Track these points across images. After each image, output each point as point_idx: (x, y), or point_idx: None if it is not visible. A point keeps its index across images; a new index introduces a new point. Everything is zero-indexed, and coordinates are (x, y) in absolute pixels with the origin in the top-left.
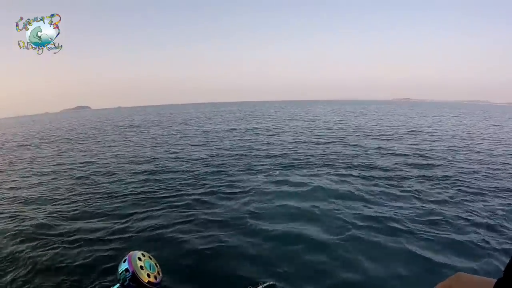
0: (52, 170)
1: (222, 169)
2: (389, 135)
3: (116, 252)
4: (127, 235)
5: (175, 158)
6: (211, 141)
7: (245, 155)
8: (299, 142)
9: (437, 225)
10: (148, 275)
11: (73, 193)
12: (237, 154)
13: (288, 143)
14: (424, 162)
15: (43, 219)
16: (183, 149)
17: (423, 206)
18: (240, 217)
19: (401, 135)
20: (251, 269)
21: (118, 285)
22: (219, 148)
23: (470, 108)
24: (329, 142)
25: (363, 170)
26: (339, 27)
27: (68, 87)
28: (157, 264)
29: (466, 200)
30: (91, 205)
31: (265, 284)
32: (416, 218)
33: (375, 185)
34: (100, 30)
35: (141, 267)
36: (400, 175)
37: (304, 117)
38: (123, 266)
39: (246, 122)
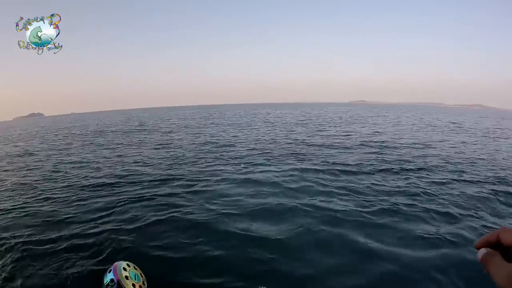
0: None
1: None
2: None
3: (86, 259)
4: (89, 240)
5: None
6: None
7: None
8: (263, 142)
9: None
10: (133, 285)
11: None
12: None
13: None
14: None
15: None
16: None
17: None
18: (208, 216)
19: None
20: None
21: None
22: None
23: (427, 109)
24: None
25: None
26: (294, 30)
27: (19, 94)
28: (142, 274)
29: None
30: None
31: None
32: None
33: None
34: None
35: (126, 277)
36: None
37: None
38: (108, 277)
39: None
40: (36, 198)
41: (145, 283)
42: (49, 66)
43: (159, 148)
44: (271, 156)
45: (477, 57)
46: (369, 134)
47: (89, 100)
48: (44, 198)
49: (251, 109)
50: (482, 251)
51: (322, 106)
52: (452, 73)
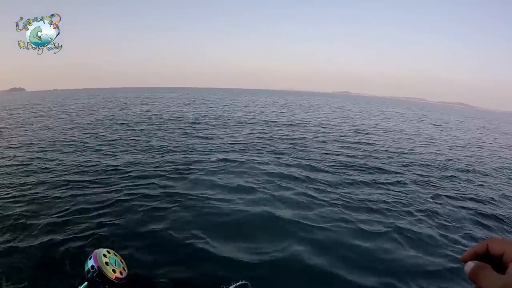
0: None
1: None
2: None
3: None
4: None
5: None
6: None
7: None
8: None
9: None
10: (114, 271)
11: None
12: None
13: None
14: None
15: None
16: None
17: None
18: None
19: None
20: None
21: (86, 283)
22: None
23: (409, 105)
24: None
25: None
26: (281, 20)
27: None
28: (123, 260)
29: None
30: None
31: (237, 284)
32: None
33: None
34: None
35: (106, 263)
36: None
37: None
38: (89, 264)
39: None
40: (9, 193)
41: (126, 269)
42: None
43: (137, 140)
44: (246, 151)
45: (461, 55)
46: (354, 133)
47: (73, 76)
48: (18, 196)
49: (235, 96)
50: (470, 264)
51: (306, 95)
52: (436, 70)
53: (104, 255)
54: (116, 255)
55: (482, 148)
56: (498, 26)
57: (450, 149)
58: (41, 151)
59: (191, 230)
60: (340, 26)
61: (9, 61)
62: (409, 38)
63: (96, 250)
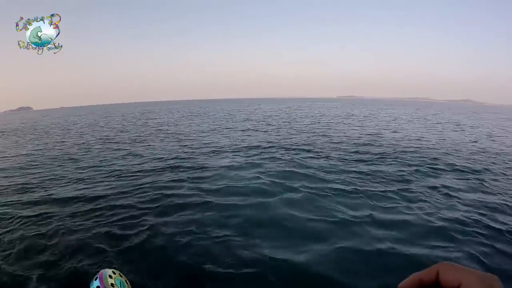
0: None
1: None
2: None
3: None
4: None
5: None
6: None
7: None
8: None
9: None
10: None
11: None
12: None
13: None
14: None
15: None
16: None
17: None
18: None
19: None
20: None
21: None
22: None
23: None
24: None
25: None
26: (284, 23)
27: (6, 88)
28: (127, 281)
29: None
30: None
31: None
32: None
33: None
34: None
35: (112, 284)
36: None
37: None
38: (95, 284)
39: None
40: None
41: None
42: (38, 57)
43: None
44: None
45: (464, 53)
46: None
47: (78, 94)
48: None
49: (244, 107)
50: None
51: (313, 102)
52: (439, 69)
53: (110, 276)
54: (121, 276)
55: None
56: (500, 22)
57: None
58: (46, 164)
59: (202, 256)
60: (341, 28)
61: (17, 81)
62: (409, 39)
63: (102, 271)
